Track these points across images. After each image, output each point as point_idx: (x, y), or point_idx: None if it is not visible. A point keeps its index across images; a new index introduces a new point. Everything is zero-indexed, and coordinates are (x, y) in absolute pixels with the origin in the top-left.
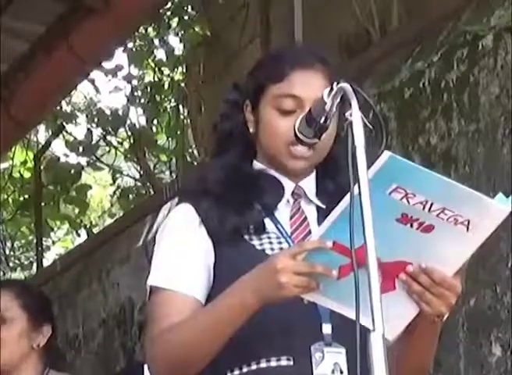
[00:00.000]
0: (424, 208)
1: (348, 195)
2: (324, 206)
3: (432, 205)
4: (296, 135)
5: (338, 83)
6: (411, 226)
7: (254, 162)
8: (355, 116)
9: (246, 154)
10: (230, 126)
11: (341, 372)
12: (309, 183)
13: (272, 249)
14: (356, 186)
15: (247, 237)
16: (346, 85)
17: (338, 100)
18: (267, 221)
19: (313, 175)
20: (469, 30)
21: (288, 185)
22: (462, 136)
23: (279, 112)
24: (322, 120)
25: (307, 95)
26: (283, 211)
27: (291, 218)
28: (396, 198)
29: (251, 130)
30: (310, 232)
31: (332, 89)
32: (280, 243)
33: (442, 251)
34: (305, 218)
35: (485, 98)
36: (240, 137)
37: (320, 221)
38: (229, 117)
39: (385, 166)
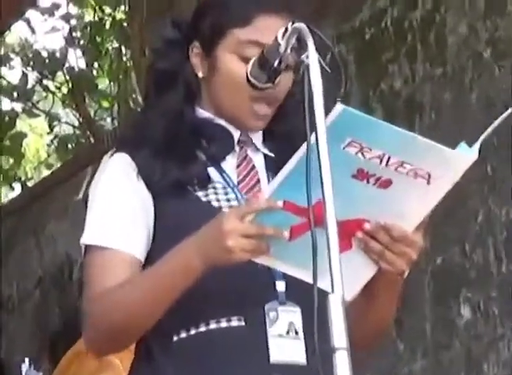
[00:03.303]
0: (381, 162)
1: (299, 151)
2: (272, 154)
3: (389, 158)
4: (248, 80)
5: (293, 23)
6: (368, 181)
7: (199, 110)
8: (312, 58)
9: (188, 98)
10: (169, 66)
11: (296, 332)
12: (256, 131)
13: (218, 200)
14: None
15: (190, 188)
16: (301, 25)
17: (293, 41)
18: (211, 170)
19: None
20: None
21: (234, 133)
22: (427, 80)
23: (241, 60)
24: (276, 63)
25: None
26: (229, 159)
27: (237, 167)
28: (351, 152)
29: (200, 74)
30: (258, 181)
31: (286, 30)
32: (227, 193)
33: (402, 206)
34: (253, 166)
35: (452, 39)
36: (181, 79)
37: (268, 170)
38: (167, 56)
39: (339, 119)
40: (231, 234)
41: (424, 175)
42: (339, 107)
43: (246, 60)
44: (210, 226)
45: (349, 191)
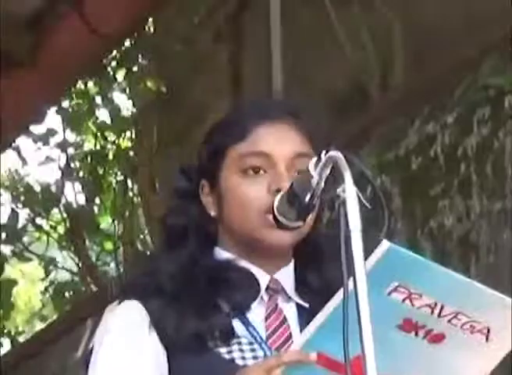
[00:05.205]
0: (432, 312)
1: (336, 296)
2: (306, 305)
3: (442, 308)
4: (275, 217)
5: (327, 152)
6: (416, 334)
7: (217, 250)
8: (349, 192)
9: (205, 244)
10: (183, 221)
11: None
12: (286, 276)
13: (244, 358)
14: (350, 281)
15: (211, 343)
16: (337, 154)
17: (327, 173)
18: (236, 323)
19: (291, 265)
20: (492, 83)
21: (262, 278)
22: (484, 217)
23: (246, 176)
24: (308, 198)
25: (278, 151)
26: (256, 310)
27: (266, 319)
28: (397, 299)
29: (212, 213)
30: (290, 336)
31: (319, 159)
32: (253, 350)
33: (455, 366)
34: (284, 318)
35: None
36: (197, 230)
37: (301, 323)
38: (180, 211)
39: (384, 260)
40: None
41: (482, 330)
42: (384, 245)
43: (251, 174)
44: None
45: (394, 344)
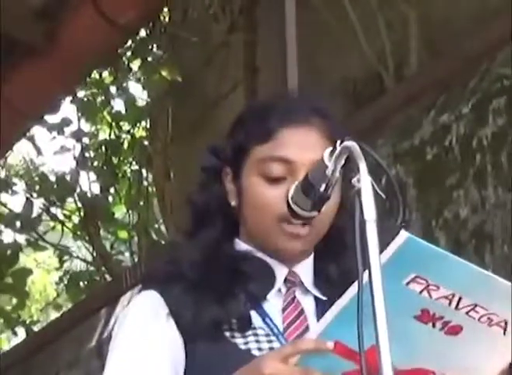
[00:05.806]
0: (450, 303)
1: (355, 284)
2: (324, 298)
3: (460, 300)
4: (290, 207)
5: (342, 142)
6: (433, 325)
7: (237, 241)
8: (364, 182)
9: (227, 232)
10: (208, 199)
11: None
12: (305, 269)
13: (260, 349)
14: (365, 272)
15: (228, 333)
16: (352, 144)
17: (342, 162)
18: (253, 314)
19: (310, 258)
20: (507, 73)
21: (280, 270)
22: (499, 207)
23: (266, 180)
24: (323, 188)
25: (300, 158)
26: (274, 302)
27: (283, 311)
28: (414, 290)
29: (232, 202)
30: (307, 328)
31: (334, 149)
32: (270, 341)
33: (473, 358)
34: (301, 311)
35: None
36: (220, 212)
37: (319, 315)
38: (206, 188)
39: (402, 251)
40: None
41: (500, 322)
42: (403, 235)
43: (272, 180)
44: (246, 370)
45: (410, 334)
